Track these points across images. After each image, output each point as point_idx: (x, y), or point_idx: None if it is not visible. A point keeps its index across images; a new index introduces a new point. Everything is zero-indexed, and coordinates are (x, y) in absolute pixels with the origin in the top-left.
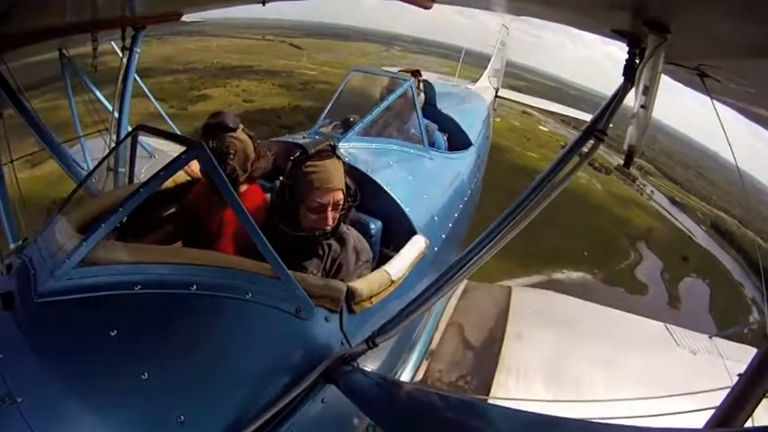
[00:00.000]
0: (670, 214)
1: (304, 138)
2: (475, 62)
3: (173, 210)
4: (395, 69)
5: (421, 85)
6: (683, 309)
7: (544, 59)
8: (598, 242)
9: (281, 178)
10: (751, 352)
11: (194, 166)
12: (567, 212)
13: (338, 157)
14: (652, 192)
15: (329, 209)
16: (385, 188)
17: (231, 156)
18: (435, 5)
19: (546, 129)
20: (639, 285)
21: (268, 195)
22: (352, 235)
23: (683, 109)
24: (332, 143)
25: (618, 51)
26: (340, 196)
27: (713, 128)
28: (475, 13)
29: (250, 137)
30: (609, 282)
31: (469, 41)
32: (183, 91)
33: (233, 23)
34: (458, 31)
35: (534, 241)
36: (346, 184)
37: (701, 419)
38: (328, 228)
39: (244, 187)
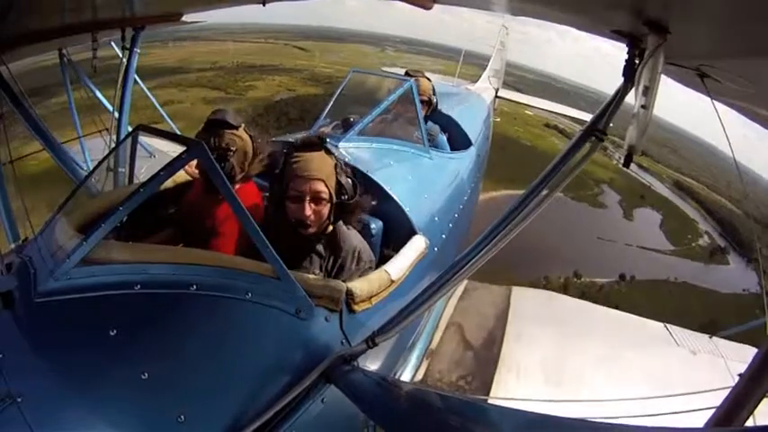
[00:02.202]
0: (633, 172)
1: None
2: (468, 61)
3: (172, 210)
4: (398, 70)
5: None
6: (635, 223)
7: (531, 55)
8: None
9: (276, 171)
10: (751, 352)
11: (194, 166)
12: (542, 162)
13: (327, 151)
14: (620, 158)
15: (308, 199)
16: (385, 188)
17: (231, 153)
18: (435, 6)
19: (530, 113)
20: (600, 204)
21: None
22: (355, 236)
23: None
24: (321, 136)
25: (606, 46)
26: (320, 187)
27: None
28: (459, 11)
29: (251, 136)
30: (576, 200)
31: (456, 38)
32: (230, 83)
33: (229, 29)
34: (445, 29)
35: (514, 171)
36: (340, 182)
37: (701, 419)
38: (308, 220)
39: (239, 185)
